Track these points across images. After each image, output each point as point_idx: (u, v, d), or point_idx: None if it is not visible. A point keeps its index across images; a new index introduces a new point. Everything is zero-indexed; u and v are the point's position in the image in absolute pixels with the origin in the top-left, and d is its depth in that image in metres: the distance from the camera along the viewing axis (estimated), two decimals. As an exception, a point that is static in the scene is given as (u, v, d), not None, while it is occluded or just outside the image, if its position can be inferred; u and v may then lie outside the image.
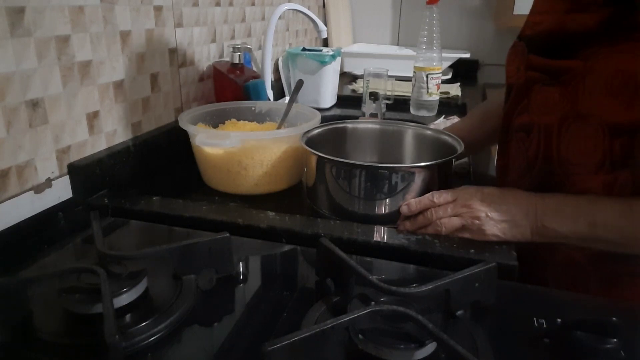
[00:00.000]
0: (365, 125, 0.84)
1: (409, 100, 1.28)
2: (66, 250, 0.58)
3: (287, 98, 1.17)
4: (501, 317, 0.46)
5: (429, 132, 0.80)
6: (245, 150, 0.74)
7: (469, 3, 1.82)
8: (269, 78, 1.04)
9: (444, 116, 1.21)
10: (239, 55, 0.96)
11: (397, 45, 1.95)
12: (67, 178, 0.66)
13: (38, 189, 0.62)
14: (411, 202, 0.62)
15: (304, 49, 1.29)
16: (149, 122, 0.84)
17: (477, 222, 0.58)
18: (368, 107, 1.13)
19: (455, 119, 1.16)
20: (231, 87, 0.96)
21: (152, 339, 0.42)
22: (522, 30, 0.68)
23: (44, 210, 0.62)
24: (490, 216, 0.57)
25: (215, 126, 0.88)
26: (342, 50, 1.47)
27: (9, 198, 0.58)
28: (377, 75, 1.13)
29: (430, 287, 0.43)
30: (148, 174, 0.80)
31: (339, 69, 1.33)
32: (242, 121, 0.90)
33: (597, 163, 0.56)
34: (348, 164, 0.65)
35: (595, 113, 0.55)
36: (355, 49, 1.82)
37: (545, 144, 0.61)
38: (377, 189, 0.63)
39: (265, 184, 0.77)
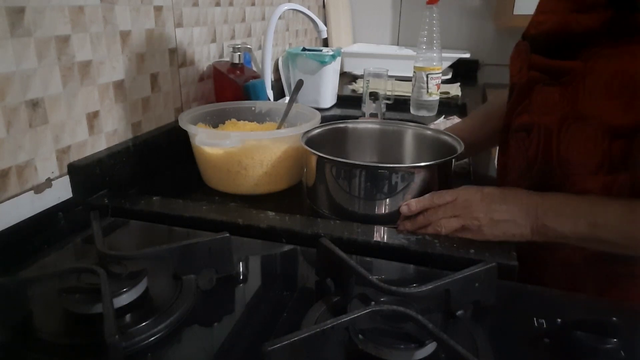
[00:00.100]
0: (365, 125, 0.84)
1: (409, 100, 1.28)
2: (66, 250, 0.58)
3: (287, 98, 1.17)
4: (501, 317, 0.46)
5: (429, 132, 0.80)
6: (245, 150, 0.74)
7: (469, 3, 1.82)
8: (269, 78, 1.04)
9: (444, 116, 1.21)
10: (239, 55, 0.96)
11: (397, 45, 1.95)
12: (67, 178, 0.66)
13: (38, 189, 0.62)
14: (411, 202, 0.62)
15: (304, 49, 1.29)
16: (149, 122, 0.84)
17: (476, 222, 0.58)
18: (368, 107, 1.13)
19: (455, 119, 1.16)
20: (231, 87, 0.96)
21: (152, 339, 0.42)
22: (526, 29, 0.68)
23: (44, 210, 0.62)
24: (490, 216, 0.57)
25: (215, 126, 0.88)
26: (342, 50, 1.47)
27: (9, 198, 0.58)
28: (377, 75, 1.13)
29: (430, 287, 0.43)
30: (148, 174, 0.80)
31: (339, 69, 1.34)
32: (242, 121, 0.90)
33: (596, 164, 0.56)
34: (348, 164, 0.65)
35: (595, 114, 0.55)
36: (355, 49, 1.82)
37: (545, 144, 0.61)
38: (377, 189, 0.63)
39: (265, 184, 0.77)
